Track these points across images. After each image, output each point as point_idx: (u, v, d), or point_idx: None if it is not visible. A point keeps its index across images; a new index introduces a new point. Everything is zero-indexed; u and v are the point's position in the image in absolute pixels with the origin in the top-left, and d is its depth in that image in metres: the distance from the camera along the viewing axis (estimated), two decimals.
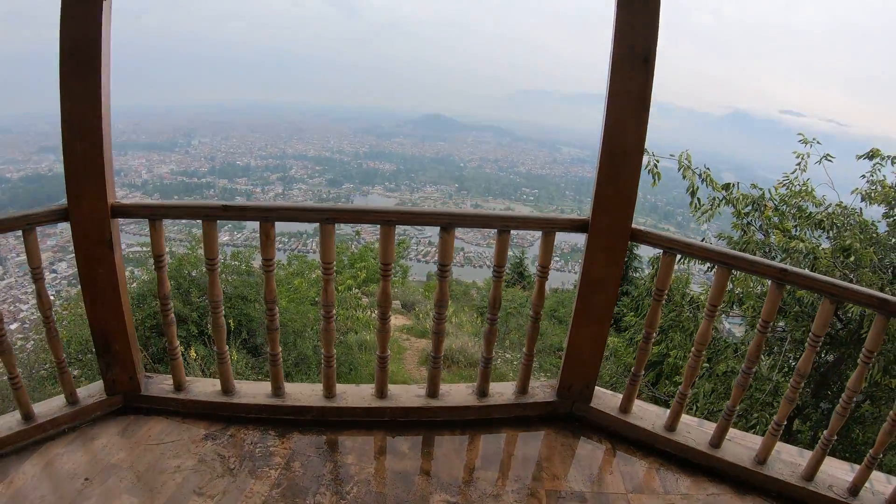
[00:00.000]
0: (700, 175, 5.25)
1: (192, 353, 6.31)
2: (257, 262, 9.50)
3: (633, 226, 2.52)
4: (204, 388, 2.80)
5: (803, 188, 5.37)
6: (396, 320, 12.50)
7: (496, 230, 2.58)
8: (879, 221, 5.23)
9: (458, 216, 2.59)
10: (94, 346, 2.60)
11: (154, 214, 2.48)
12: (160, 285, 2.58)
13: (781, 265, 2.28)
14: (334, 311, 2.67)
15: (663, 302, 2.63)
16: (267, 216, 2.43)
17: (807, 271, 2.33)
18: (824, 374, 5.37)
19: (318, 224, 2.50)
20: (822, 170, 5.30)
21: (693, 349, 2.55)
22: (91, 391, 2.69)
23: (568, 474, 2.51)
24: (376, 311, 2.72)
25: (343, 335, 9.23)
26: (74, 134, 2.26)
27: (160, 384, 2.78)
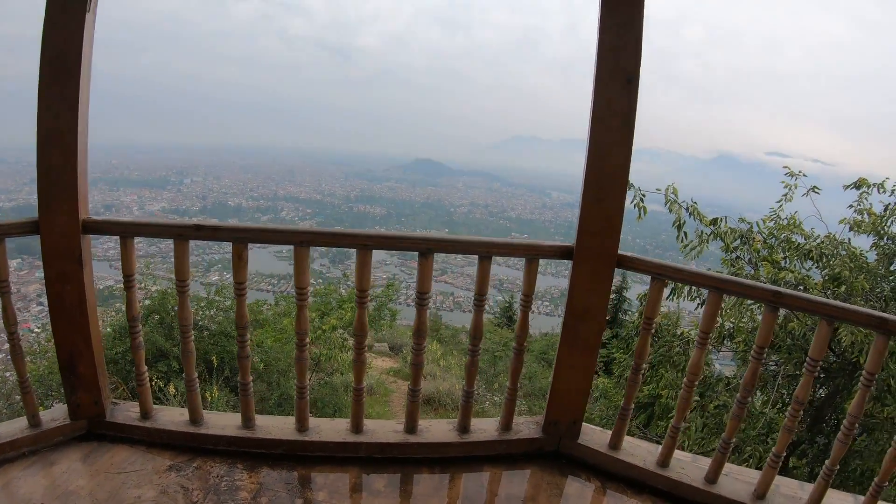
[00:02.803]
0: (687, 209, 5.21)
1: (172, 389, 6.11)
2: None
3: (620, 252, 2.44)
4: (171, 416, 2.66)
5: (791, 220, 5.35)
6: (384, 363, 12.31)
7: (477, 256, 2.48)
8: (868, 251, 5.19)
9: (437, 241, 2.47)
10: (59, 368, 2.48)
11: (125, 232, 2.40)
12: (129, 306, 2.48)
13: (774, 287, 2.20)
14: (307, 339, 2.54)
15: (652, 331, 2.53)
16: (239, 237, 2.34)
17: (801, 293, 2.25)
18: (819, 409, 5.24)
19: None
20: (808, 203, 5.29)
21: (685, 380, 2.44)
22: (55, 415, 2.56)
23: None
24: (352, 341, 2.59)
25: (328, 376, 9.03)
26: (48, 144, 2.22)
27: (126, 411, 2.65)
